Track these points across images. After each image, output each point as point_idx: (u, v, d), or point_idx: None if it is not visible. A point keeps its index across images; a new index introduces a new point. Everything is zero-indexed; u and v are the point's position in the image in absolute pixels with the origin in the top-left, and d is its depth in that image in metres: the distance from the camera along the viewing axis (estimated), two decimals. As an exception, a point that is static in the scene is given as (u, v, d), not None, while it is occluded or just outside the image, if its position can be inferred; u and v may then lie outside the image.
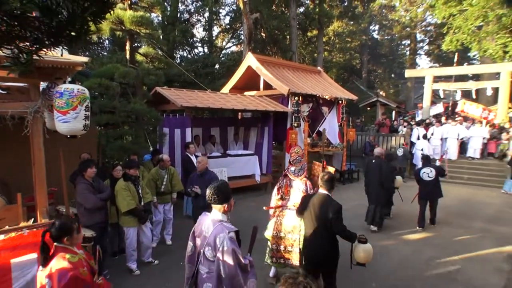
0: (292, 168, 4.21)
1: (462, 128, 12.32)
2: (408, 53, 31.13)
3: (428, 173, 6.53)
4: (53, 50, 2.44)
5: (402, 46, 34.24)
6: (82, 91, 3.48)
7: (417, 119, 16.12)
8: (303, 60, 26.00)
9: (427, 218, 6.62)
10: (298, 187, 4.15)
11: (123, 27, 6.29)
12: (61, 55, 3.43)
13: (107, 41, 17.80)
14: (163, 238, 5.71)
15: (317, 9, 20.88)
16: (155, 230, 5.58)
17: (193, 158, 7.04)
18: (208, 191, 2.43)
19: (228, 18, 23.77)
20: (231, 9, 23.36)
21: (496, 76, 14.72)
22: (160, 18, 18.32)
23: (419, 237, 6.12)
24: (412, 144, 12.41)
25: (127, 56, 6.95)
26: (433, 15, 14.81)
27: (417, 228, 6.51)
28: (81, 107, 3.46)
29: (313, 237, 3.38)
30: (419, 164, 11.35)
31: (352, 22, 27.87)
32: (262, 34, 20.91)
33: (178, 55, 20.42)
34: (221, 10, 23.00)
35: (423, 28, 29.18)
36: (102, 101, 6.35)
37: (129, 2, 6.39)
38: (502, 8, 11.03)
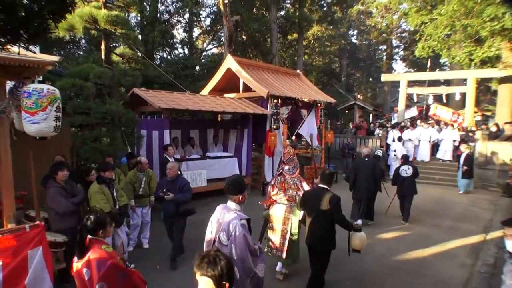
0: (286, 167, 4.53)
1: (434, 131, 12.82)
2: (384, 58, 32.01)
3: (406, 170, 7.09)
4: (10, 48, 2.35)
5: (379, 51, 35.24)
6: (53, 91, 3.36)
7: (393, 122, 16.61)
8: (284, 63, 26.21)
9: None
10: (294, 182, 4.49)
11: (98, 26, 6.14)
12: (31, 53, 3.31)
13: (83, 40, 17.33)
14: (140, 241, 5.60)
15: (297, 13, 21.15)
16: (132, 234, 5.48)
17: (171, 160, 6.97)
18: (225, 183, 2.77)
19: (208, 19, 23.71)
20: (211, 10, 23.31)
21: (464, 82, 15.43)
22: (139, 18, 18.03)
23: (393, 236, 6.31)
24: (388, 146, 12.76)
25: (103, 56, 6.78)
26: (407, 23, 15.33)
27: (402, 222, 7.06)
28: (52, 108, 3.34)
29: (314, 226, 3.80)
30: (393, 164, 11.87)
31: (331, 27, 28.39)
32: (243, 36, 20.95)
33: (158, 56, 20.14)
34: (201, 12, 22.88)
35: (398, 35, 30.16)
36: (76, 101, 6.16)
37: (103, 0, 6.24)
38: (467, 18, 11.64)
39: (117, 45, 9.47)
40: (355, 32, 34.71)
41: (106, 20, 5.84)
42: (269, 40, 20.73)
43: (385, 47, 31.93)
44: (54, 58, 3.72)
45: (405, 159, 7.49)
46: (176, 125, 9.90)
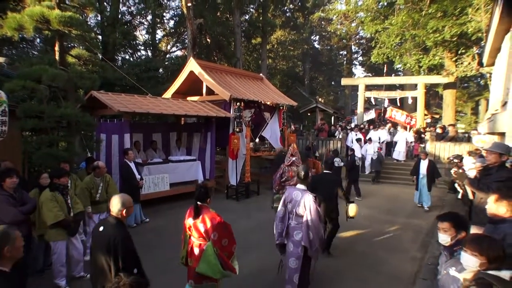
0: (294, 158, 6.08)
1: (383, 133, 13.49)
2: (345, 62, 33.29)
3: (337, 162, 9.10)
4: None
5: (340, 56, 36.56)
6: (-3, 95, 3.18)
7: (353, 124, 17.32)
8: (248, 67, 26.40)
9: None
10: (293, 169, 5.95)
11: (50, 27, 5.84)
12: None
13: (38, 39, 16.32)
14: (98, 249, 5.38)
15: (261, 18, 21.44)
16: (89, 242, 5.25)
17: (132, 165, 6.80)
18: (302, 172, 3.88)
19: (172, 22, 23.35)
20: (175, 13, 22.92)
21: (415, 87, 16.51)
22: (99, 18, 17.33)
23: (353, 234, 6.56)
24: (348, 147, 13.28)
25: (57, 58, 6.46)
26: (364, 30, 16.14)
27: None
28: (-4, 113, 3.15)
29: (328, 202, 5.08)
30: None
31: (294, 32, 29.06)
32: (207, 39, 20.87)
33: (120, 58, 19.47)
34: (165, 14, 22.46)
35: (357, 41, 31.53)
36: (28, 105, 5.81)
37: (57, 0, 5.95)
38: (414, 29, 12.57)
39: (74, 45, 9.03)
40: (317, 37, 35.79)
41: (59, 20, 5.57)
42: (233, 43, 20.83)
43: (345, 52, 33.26)
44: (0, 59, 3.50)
45: (335, 153, 9.65)
46: (137, 128, 9.66)
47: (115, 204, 2.70)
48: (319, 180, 5.43)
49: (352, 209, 5.07)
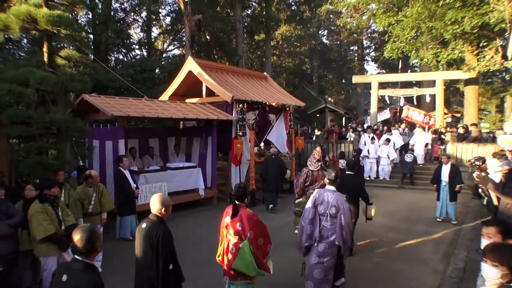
0: (320, 163, 6.47)
1: (395, 137, 13.32)
2: (356, 59, 33.24)
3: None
4: None
5: (351, 52, 36.52)
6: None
7: (366, 125, 17.26)
8: (251, 65, 26.51)
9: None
10: (325, 174, 6.02)
11: (38, 27, 5.93)
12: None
13: (25, 40, 16.56)
14: (91, 265, 5.40)
15: (264, 12, 21.50)
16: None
17: (126, 173, 6.83)
18: (333, 175, 4.30)
19: (168, 18, 23.53)
20: (172, 8, 23.15)
21: (434, 83, 16.43)
22: (90, 16, 17.54)
23: (368, 243, 6.54)
24: (360, 150, 13.24)
25: (45, 59, 6.54)
26: (376, 23, 16.13)
27: None
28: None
29: (350, 199, 5.10)
30: (367, 169, 12.46)
31: (300, 27, 29.15)
32: (207, 36, 20.99)
33: (113, 58, 19.65)
34: (161, 10, 22.68)
35: (369, 35, 31.53)
36: (14, 110, 5.88)
37: (45, -2, 6.05)
38: (431, 21, 12.51)
39: (64, 46, 9.15)
40: (325, 32, 35.85)
41: (47, 20, 5.64)
42: (234, 40, 20.92)
43: (356, 48, 33.20)
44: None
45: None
46: (133, 134, 9.74)
47: (155, 203, 3.12)
48: (342, 181, 5.61)
49: (371, 210, 5.56)
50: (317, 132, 18.18)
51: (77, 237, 2.23)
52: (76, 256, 2.23)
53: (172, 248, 3.09)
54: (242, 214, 3.58)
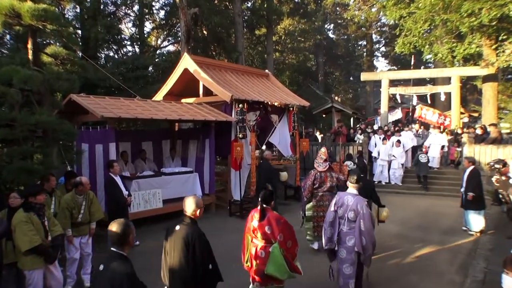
0: (327, 163, 6.62)
1: (407, 138, 13.34)
2: (365, 54, 33.30)
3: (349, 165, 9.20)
4: None
5: (359, 47, 36.61)
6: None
7: (376, 126, 17.26)
8: (252, 62, 26.57)
9: None
10: (331, 175, 6.61)
11: (22, 22, 5.97)
12: None
13: (8, 36, 16.64)
14: (81, 278, 5.40)
15: (265, 5, 21.56)
16: (69, 271, 5.27)
17: (118, 179, 6.84)
18: (355, 176, 4.46)
19: (162, 12, 23.60)
20: (166, 1, 23.23)
21: (449, 80, 16.42)
22: (78, 10, 17.63)
23: (379, 254, 6.51)
24: (370, 153, 13.25)
25: (30, 57, 6.57)
26: (386, 16, 16.15)
27: None
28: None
29: None
30: (377, 172, 12.46)
31: (304, 20, 29.18)
32: (204, 31, 21.07)
33: (103, 55, 19.74)
34: (154, 3, 22.77)
35: (378, 29, 31.60)
36: (-3, 112, 5.92)
37: (29, -9, 6.09)
38: (446, 13, 12.50)
39: (50, 42, 9.21)
40: (332, 26, 35.94)
41: (32, 14, 5.67)
42: (233, 35, 20.97)
43: (365, 43, 33.33)
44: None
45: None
46: (124, 136, 9.77)
47: (189, 205, 3.38)
48: None
49: (384, 213, 5.84)
50: (318, 135, 18.10)
51: (113, 229, 2.62)
52: (112, 248, 2.63)
53: (209, 248, 3.35)
54: (270, 217, 3.82)
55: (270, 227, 3.78)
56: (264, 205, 3.91)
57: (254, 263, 3.90)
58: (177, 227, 3.37)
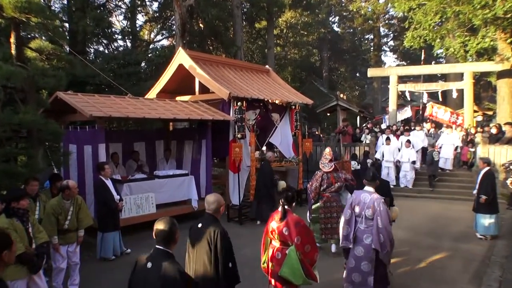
0: (333, 163, 6.83)
1: (417, 138, 13.27)
2: (372, 49, 33.29)
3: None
4: None
5: (366, 41, 36.59)
6: None
7: (383, 125, 17.25)
8: (251, 57, 26.60)
9: None
10: (338, 175, 6.88)
11: (4, 14, 5.96)
12: None
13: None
14: (67, 289, 5.40)
15: (265, -4, 21.55)
16: (55, 281, 5.29)
17: (108, 182, 6.84)
18: (370, 175, 4.78)
19: (156, 4, 23.63)
20: (159, -7, 23.23)
21: (461, 77, 16.41)
22: (65, 2, 17.65)
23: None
24: (369, 153, 13.21)
25: (13, 52, 6.57)
26: (394, 8, 16.14)
27: None
28: None
29: None
30: (383, 175, 12.51)
31: (307, 12, 29.21)
32: (200, 25, 21.08)
33: (92, 50, 19.76)
34: (147, -6, 22.77)
35: (386, 22, 31.57)
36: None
37: (12, -18, 6.08)
38: (458, 5, 12.47)
39: (35, 36, 9.19)
40: (336, 18, 35.94)
41: (15, 6, 5.66)
42: (232, 29, 20.98)
43: (372, 36, 33.28)
44: None
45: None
46: (115, 137, 9.78)
47: (212, 202, 3.59)
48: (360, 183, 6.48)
49: (393, 212, 5.80)
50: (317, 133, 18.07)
51: (160, 227, 2.80)
52: (157, 246, 2.78)
53: (230, 246, 3.51)
54: (289, 219, 3.97)
55: (288, 229, 3.93)
56: (286, 206, 4.05)
57: (270, 264, 4.09)
58: (199, 225, 3.56)
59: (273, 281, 4.09)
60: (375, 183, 4.75)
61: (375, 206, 4.51)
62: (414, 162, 12.68)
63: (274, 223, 4.07)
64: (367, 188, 4.77)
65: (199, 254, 3.44)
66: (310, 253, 3.96)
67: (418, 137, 13.35)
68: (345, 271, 4.93)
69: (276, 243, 4.08)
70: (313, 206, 6.86)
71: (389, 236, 4.56)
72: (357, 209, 4.68)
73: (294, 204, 4.19)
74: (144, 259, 2.80)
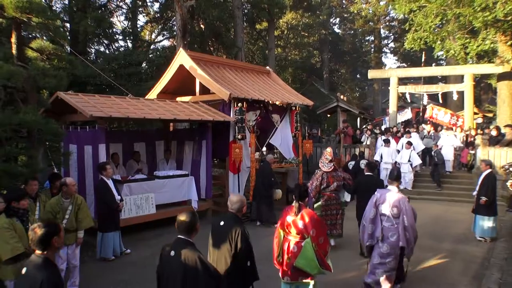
0: (332, 163, 7.04)
1: (415, 140, 13.28)
2: (372, 50, 33.31)
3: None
4: None
5: (366, 43, 36.63)
6: None
7: (384, 127, 17.24)
8: (252, 58, 26.60)
9: None
10: (337, 174, 7.15)
11: (5, 14, 5.96)
12: None
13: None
14: (67, 291, 5.38)
15: (266, -3, 21.56)
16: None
17: (110, 182, 6.83)
18: (394, 174, 5.12)
19: (157, 5, 23.63)
20: (160, -6, 23.24)
21: (462, 79, 16.41)
22: (66, 2, 17.66)
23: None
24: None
25: (13, 51, 6.56)
26: (395, 10, 16.14)
27: None
28: None
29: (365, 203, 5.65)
30: (382, 177, 12.50)
31: (308, 14, 29.25)
32: (201, 26, 21.09)
33: (93, 51, 19.75)
34: (148, -5, 22.79)
35: (387, 23, 31.63)
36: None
37: (13, -18, 6.08)
38: (458, 7, 12.49)
39: (36, 36, 9.20)
40: (337, 20, 36.02)
41: (16, 6, 5.66)
42: (232, 30, 20.99)
43: (372, 38, 33.33)
44: None
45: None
46: (115, 137, 9.77)
47: (235, 202, 3.73)
48: (363, 182, 6.77)
49: None
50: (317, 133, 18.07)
51: (181, 218, 3.06)
52: (179, 236, 3.06)
53: (250, 246, 3.66)
54: (304, 213, 4.17)
55: (303, 223, 4.10)
56: (300, 202, 4.22)
57: (285, 257, 4.20)
58: (222, 223, 3.73)
59: (289, 272, 4.20)
60: (398, 183, 5.01)
61: (401, 205, 4.74)
62: (415, 167, 12.72)
63: (290, 217, 4.22)
64: (390, 187, 4.98)
65: (220, 251, 3.62)
66: (323, 244, 4.17)
67: (415, 138, 13.36)
68: (368, 267, 5.15)
69: (291, 237, 4.22)
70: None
71: (414, 233, 4.84)
72: (382, 208, 4.87)
73: (306, 199, 4.37)
74: (167, 248, 3.05)
